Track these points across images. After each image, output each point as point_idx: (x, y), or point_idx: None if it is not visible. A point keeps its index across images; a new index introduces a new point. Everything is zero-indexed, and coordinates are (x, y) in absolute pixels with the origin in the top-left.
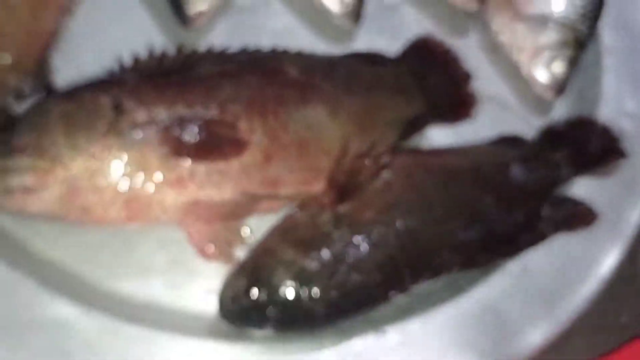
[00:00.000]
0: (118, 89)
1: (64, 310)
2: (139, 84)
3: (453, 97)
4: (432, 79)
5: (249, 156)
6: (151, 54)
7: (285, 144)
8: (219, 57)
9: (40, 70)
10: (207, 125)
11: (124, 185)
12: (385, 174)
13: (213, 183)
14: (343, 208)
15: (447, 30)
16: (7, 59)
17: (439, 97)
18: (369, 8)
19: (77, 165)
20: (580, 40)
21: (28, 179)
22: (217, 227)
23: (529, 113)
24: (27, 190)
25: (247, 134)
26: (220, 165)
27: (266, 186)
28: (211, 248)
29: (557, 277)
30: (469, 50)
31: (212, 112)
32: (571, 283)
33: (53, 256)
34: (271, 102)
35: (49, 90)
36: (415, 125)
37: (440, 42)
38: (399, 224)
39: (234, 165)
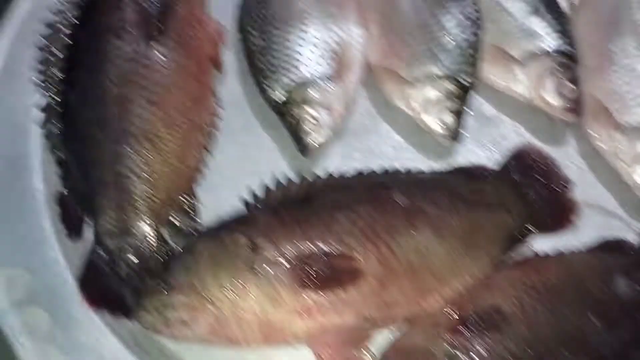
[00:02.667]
0: (252, 227)
1: None
2: (269, 221)
3: (554, 206)
4: (533, 189)
5: (365, 284)
6: (278, 185)
7: (396, 269)
8: (336, 185)
9: (188, 205)
10: (327, 260)
11: (260, 315)
12: (495, 299)
13: (336, 310)
14: (459, 338)
15: (546, 139)
16: (160, 195)
17: (541, 207)
18: (469, 121)
19: (222, 302)
20: None
21: (183, 314)
22: (342, 351)
23: (633, 220)
24: (182, 323)
25: (363, 264)
26: (341, 294)
27: (382, 310)
28: None
29: None
30: (569, 158)
31: (331, 246)
32: None
33: None
34: (382, 232)
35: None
36: (518, 238)
37: (540, 151)
38: (513, 356)
39: (352, 293)
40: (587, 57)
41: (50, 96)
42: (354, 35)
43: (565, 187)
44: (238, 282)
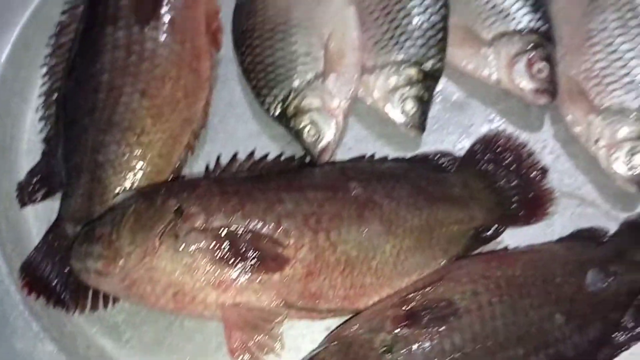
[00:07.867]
0: (190, 193)
1: None
2: (210, 190)
3: (527, 197)
4: (504, 179)
5: (291, 270)
6: (250, 156)
7: (330, 261)
8: (295, 168)
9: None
10: (254, 239)
11: (172, 279)
12: (450, 292)
13: (253, 290)
14: (403, 330)
15: (519, 125)
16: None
17: (512, 198)
18: (436, 107)
19: (133, 259)
20: None
21: (99, 265)
22: (254, 331)
23: (611, 208)
24: (98, 273)
25: (293, 250)
26: (262, 275)
27: (306, 299)
28: (243, 353)
29: None
30: (544, 144)
31: (266, 225)
32: None
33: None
34: (326, 220)
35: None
36: (485, 236)
37: (512, 136)
38: (458, 350)
39: (275, 276)
40: (564, 35)
41: (50, 83)
42: (342, 16)
43: (540, 175)
44: (152, 243)
